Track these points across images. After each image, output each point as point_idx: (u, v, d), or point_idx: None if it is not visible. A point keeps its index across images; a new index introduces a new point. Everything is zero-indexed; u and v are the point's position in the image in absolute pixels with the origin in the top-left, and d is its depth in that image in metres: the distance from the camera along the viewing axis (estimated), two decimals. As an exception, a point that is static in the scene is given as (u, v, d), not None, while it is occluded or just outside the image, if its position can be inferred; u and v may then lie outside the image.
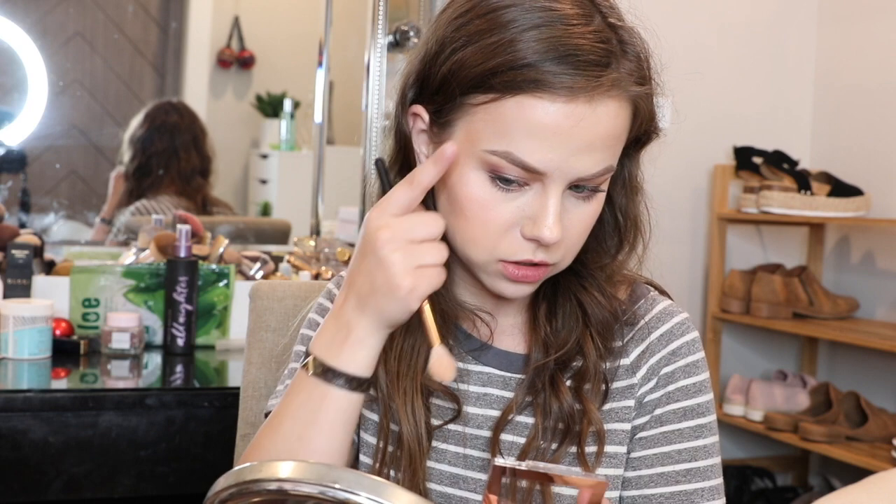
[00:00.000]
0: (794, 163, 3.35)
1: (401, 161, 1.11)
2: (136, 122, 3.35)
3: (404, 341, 1.10)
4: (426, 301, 0.94)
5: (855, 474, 2.39)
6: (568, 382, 1.11)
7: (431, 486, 1.13)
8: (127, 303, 2.46)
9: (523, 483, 0.91)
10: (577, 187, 1.01)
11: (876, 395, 3.29)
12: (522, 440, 1.11)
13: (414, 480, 1.10)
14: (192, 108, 3.44)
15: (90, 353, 2.36)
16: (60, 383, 2.18)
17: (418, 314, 0.95)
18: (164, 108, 3.40)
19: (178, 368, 2.34)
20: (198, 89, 3.54)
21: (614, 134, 1.00)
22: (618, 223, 1.13)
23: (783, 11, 3.60)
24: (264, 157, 3.78)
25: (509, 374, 1.14)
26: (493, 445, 1.10)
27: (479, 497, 1.12)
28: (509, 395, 1.13)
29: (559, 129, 0.97)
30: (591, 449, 1.11)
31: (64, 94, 3.42)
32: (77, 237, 3.26)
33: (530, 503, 1.02)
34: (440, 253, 0.94)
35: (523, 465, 0.85)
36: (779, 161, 3.33)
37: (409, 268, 0.92)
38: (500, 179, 1.00)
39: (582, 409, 1.10)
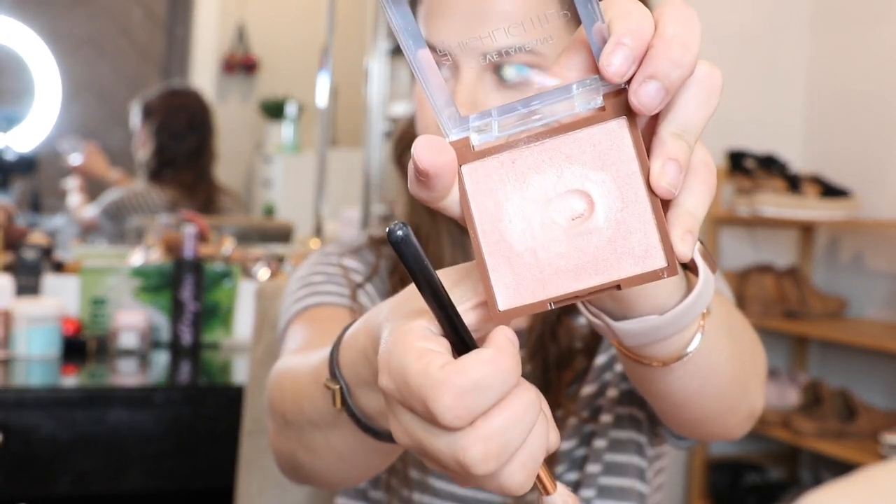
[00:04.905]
0: (785, 165, 3.39)
1: None
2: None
3: None
4: None
5: (844, 469, 2.44)
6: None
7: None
8: (135, 302, 2.51)
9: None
10: (500, 69, 0.96)
11: (865, 391, 3.34)
12: None
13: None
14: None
15: (99, 351, 2.41)
16: (69, 380, 2.22)
17: None
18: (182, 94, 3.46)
19: (185, 366, 2.39)
20: (203, 94, 3.58)
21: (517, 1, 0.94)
22: None
23: (776, 19, 3.65)
24: (268, 159, 3.82)
25: None
26: None
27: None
28: None
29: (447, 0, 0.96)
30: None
31: (73, 99, 3.47)
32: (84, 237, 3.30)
33: None
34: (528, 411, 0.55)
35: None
36: (770, 164, 3.37)
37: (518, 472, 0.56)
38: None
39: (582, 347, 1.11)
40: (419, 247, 0.52)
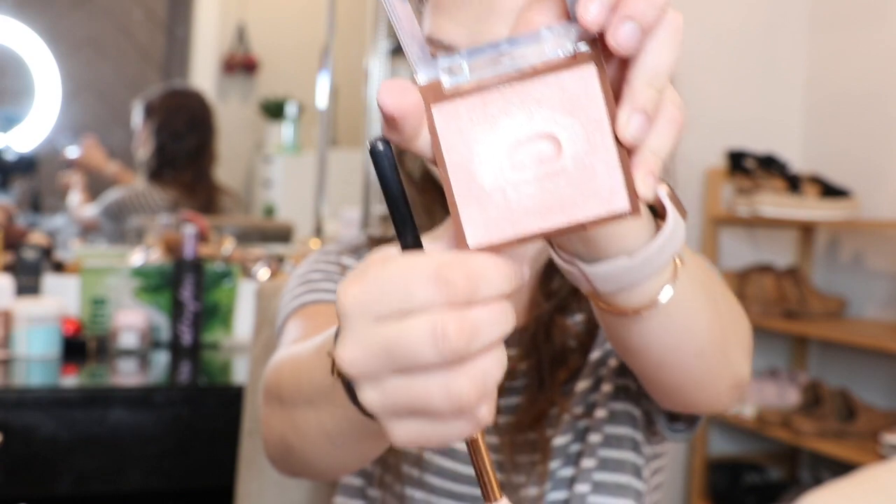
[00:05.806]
0: (785, 165, 3.40)
1: None
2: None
3: None
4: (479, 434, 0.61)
5: (844, 469, 2.44)
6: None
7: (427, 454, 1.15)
8: (135, 302, 2.51)
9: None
10: None
11: (864, 391, 3.35)
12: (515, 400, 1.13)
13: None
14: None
15: (99, 351, 2.41)
16: (70, 380, 2.22)
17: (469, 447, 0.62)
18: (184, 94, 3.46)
19: (185, 366, 2.39)
20: (204, 94, 3.59)
21: None
22: None
23: (775, 19, 3.65)
24: (268, 159, 3.82)
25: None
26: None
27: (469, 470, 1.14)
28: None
29: None
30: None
31: (73, 99, 3.47)
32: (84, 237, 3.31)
33: None
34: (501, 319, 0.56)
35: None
36: (770, 164, 3.37)
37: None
38: None
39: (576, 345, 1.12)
40: (396, 161, 0.54)
